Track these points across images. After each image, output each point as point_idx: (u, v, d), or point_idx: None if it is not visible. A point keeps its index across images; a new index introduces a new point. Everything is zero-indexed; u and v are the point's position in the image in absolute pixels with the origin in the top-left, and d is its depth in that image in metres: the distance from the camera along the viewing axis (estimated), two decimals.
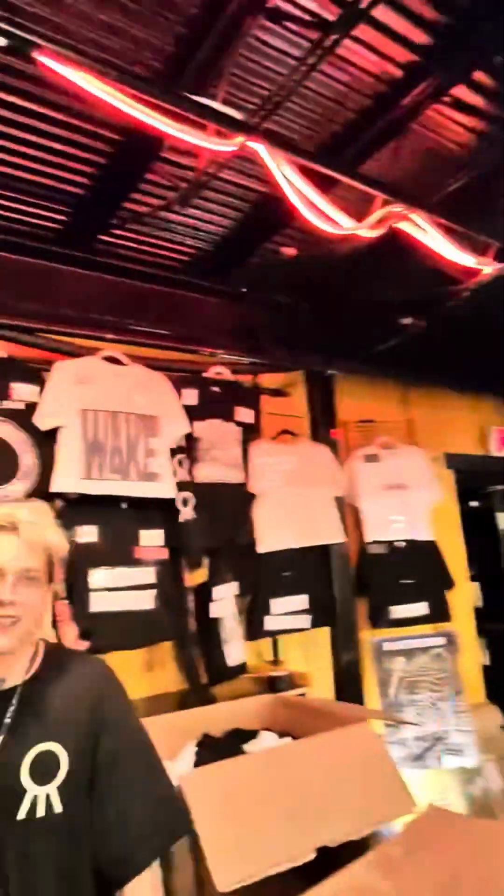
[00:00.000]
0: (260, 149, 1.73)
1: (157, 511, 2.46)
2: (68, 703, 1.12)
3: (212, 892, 1.18)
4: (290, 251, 2.46)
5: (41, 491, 2.21)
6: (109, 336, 2.48)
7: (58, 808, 1.04)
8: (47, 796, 1.04)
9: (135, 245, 2.58)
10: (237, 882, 1.16)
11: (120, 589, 2.32)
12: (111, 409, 2.36)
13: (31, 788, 1.04)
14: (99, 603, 2.26)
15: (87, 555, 2.28)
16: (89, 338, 2.46)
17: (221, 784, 1.38)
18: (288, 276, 2.81)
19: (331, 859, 1.32)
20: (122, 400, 2.39)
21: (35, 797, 1.04)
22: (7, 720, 1.09)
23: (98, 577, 2.29)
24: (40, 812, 1.03)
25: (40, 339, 2.36)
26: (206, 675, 2.52)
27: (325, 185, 2.02)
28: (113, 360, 2.46)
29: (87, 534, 2.30)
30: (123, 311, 2.58)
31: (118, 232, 2.48)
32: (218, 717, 2.08)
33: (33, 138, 2.02)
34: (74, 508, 2.27)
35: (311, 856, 1.32)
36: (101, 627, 2.22)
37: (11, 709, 1.10)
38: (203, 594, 2.56)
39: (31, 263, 2.42)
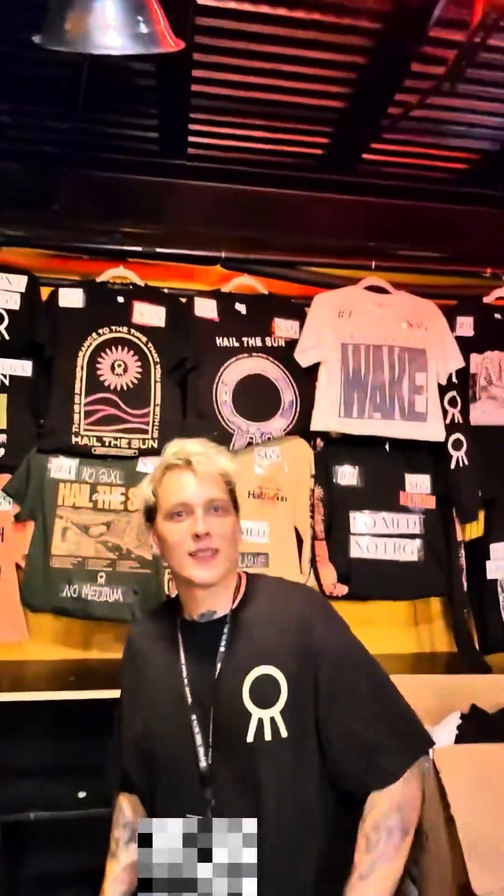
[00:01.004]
0: None
1: (426, 454, 2.23)
2: (278, 628, 1.10)
3: (465, 888, 0.98)
4: None
5: (301, 428, 2.16)
6: (375, 263, 2.28)
7: (283, 732, 1.03)
8: (272, 720, 1.03)
9: (401, 160, 2.31)
10: (499, 890, 0.94)
11: (383, 536, 2.18)
12: (373, 343, 2.18)
13: (255, 712, 1.04)
14: (360, 548, 2.15)
15: (348, 497, 2.18)
16: (352, 267, 2.30)
17: (484, 769, 1.15)
18: None
19: None
20: (386, 332, 2.19)
21: (260, 720, 1.03)
22: (222, 648, 1.09)
23: (360, 521, 2.18)
24: (267, 735, 1.02)
25: (301, 272, 2.28)
26: (480, 641, 2.24)
27: None
28: (377, 290, 2.26)
29: (348, 475, 2.19)
30: (388, 235, 2.35)
31: (382, 147, 2.23)
32: (492, 689, 1.81)
33: (289, 51, 1.88)
34: (334, 447, 2.18)
35: None
36: (362, 574, 2.11)
37: (224, 637, 1.10)
38: (478, 551, 2.26)
39: (289, 195, 2.33)
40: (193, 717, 1.07)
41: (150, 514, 1.15)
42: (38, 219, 2.19)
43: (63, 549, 2.03)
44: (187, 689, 1.09)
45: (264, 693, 1.04)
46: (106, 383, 2.09)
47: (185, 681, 1.10)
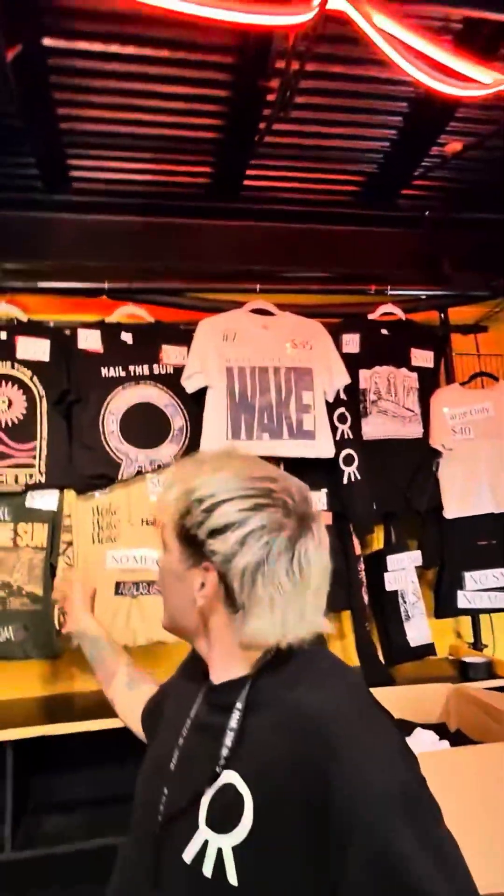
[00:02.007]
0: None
1: (319, 472, 2.24)
2: (280, 737, 0.75)
3: None
4: (453, 147, 2.00)
5: (191, 453, 2.17)
6: (259, 286, 2.31)
7: (231, 876, 0.71)
8: (218, 852, 0.73)
9: (283, 184, 2.36)
10: None
11: None
12: (258, 364, 2.20)
13: (204, 831, 0.76)
14: None
15: None
16: (238, 291, 2.33)
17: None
18: (469, 185, 2.32)
19: None
20: (271, 353, 2.22)
21: (205, 843, 0.75)
22: (230, 732, 0.77)
23: None
24: (207, 869, 0.73)
25: (187, 299, 2.30)
26: (384, 653, 2.25)
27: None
28: (262, 312, 2.29)
29: None
30: (274, 258, 2.39)
31: (262, 173, 2.29)
32: (383, 701, 1.81)
33: (150, 87, 1.92)
34: None
35: None
36: None
37: (235, 717, 0.78)
38: (376, 564, 2.27)
39: (175, 223, 2.37)
40: (165, 790, 0.82)
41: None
42: None
43: None
44: (175, 754, 0.84)
45: (224, 809, 0.73)
46: None
47: (180, 741, 0.84)
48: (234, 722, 0.76)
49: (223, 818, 0.72)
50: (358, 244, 2.48)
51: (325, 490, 2.25)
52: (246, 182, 2.32)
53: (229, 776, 0.74)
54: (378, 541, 2.36)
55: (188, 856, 0.73)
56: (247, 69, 1.85)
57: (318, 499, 2.26)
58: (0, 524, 2.05)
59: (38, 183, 2.28)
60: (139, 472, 2.13)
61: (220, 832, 0.72)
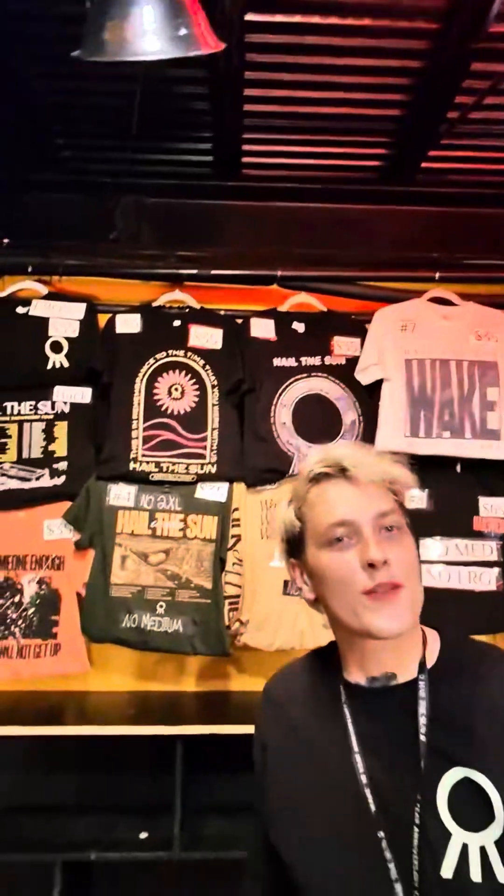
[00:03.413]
0: None
1: (501, 475, 2.07)
2: (493, 719, 0.74)
3: None
4: None
5: None
6: (439, 275, 2.17)
7: (499, 869, 0.67)
8: (482, 850, 0.68)
9: (463, 165, 2.20)
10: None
11: (456, 563, 2.03)
12: (440, 357, 2.06)
13: (457, 833, 0.69)
14: (431, 576, 2.01)
15: (417, 522, 2.02)
16: (415, 280, 2.19)
17: None
18: None
19: None
20: (454, 345, 2.07)
21: (465, 846, 0.68)
22: (423, 731, 0.74)
23: (431, 547, 2.04)
24: (475, 874, 0.67)
25: (360, 287, 2.19)
26: None
27: None
28: (442, 302, 2.14)
29: (417, 499, 2.06)
30: (453, 245, 2.24)
31: (442, 154, 2.14)
32: None
33: (342, 61, 1.83)
34: None
35: None
36: (434, 604, 1.95)
37: (423, 714, 0.75)
38: None
39: (347, 209, 2.26)
40: (381, 834, 0.72)
41: (296, 545, 0.84)
42: (97, 248, 2.21)
43: (122, 578, 1.99)
44: (368, 791, 0.74)
45: (471, 808, 0.69)
46: (163, 408, 2.06)
47: (363, 777, 0.75)
48: (422, 724, 0.74)
49: (472, 815, 0.70)
50: None
51: None
52: (424, 164, 2.19)
53: (453, 773, 0.71)
54: None
55: (447, 871, 0.68)
56: (453, 35, 1.71)
57: (497, 505, 2.08)
58: (170, 514, 2.02)
59: (209, 170, 2.25)
60: None
61: (475, 830, 0.69)
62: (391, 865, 0.71)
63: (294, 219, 2.29)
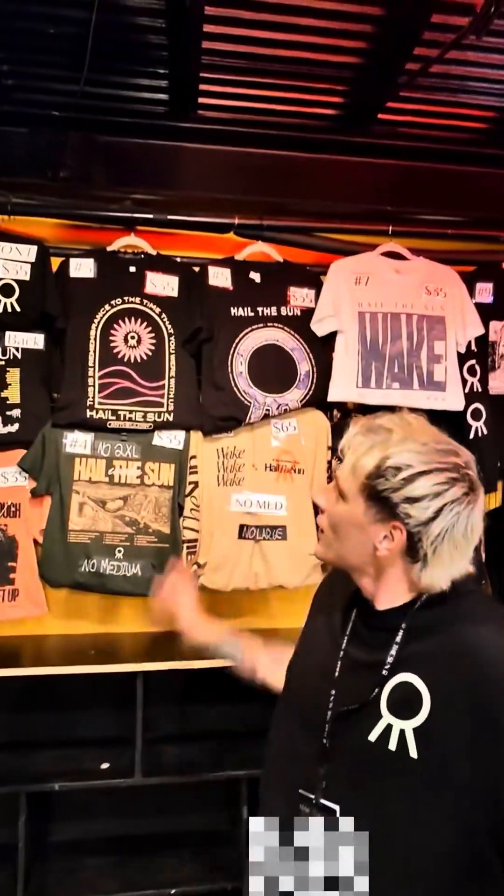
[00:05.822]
0: None
1: (444, 425, 2.16)
2: (451, 660, 0.95)
3: None
4: None
5: (318, 400, 2.12)
6: (392, 228, 2.21)
7: (413, 751, 0.89)
8: (401, 731, 0.91)
9: (420, 119, 2.22)
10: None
11: None
12: (391, 310, 2.12)
13: (386, 717, 0.92)
14: None
15: None
16: (369, 233, 2.23)
17: None
18: None
19: None
20: (405, 299, 2.13)
21: (389, 725, 0.92)
22: (392, 652, 0.97)
23: None
24: (392, 744, 0.91)
25: (317, 239, 2.21)
26: None
27: None
28: (395, 256, 2.20)
29: None
30: (406, 199, 2.28)
31: (399, 105, 2.15)
32: None
33: (304, 1, 1.80)
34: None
35: None
36: None
37: (396, 644, 0.97)
38: (497, 521, 2.23)
39: (303, 158, 2.26)
40: (333, 691, 0.99)
41: (387, 504, 0.95)
42: (47, 186, 2.13)
43: (80, 524, 2.01)
44: (338, 664, 1.00)
45: (404, 701, 0.91)
46: (120, 355, 2.05)
47: (340, 654, 1.01)
48: (399, 637, 0.95)
49: (403, 707, 0.91)
50: (496, 187, 2.34)
51: None
52: (381, 116, 2.19)
53: (405, 676, 0.92)
54: (496, 498, 2.31)
55: (373, 736, 0.92)
56: None
57: None
58: (128, 462, 2.04)
59: (164, 108, 2.18)
60: (266, 416, 2.09)
61: (402, 718, 0.91)
62: (329, 713, 0.97)
63: (250, 164, 2.27)
